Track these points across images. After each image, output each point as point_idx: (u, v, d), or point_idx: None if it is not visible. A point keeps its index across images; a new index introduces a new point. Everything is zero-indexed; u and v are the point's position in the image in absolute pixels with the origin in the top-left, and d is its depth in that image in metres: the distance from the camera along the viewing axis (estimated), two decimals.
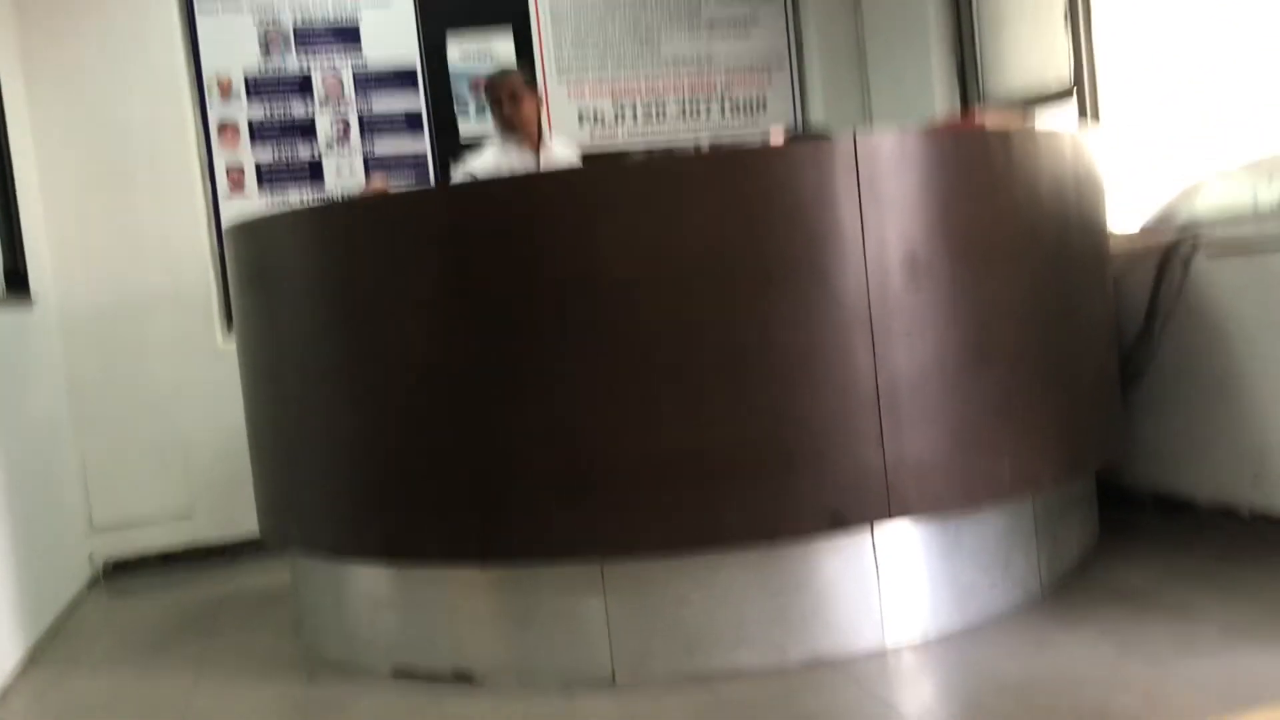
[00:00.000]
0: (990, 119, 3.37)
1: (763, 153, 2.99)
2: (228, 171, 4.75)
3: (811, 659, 2.77)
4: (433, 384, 2.81)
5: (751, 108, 5.31)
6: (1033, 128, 3.39)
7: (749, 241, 2.68)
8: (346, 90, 4.86)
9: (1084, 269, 3.20)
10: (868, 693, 2.60)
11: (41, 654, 3.52)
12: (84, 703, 3.09)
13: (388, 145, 4.90)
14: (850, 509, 2.69)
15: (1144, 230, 3.73)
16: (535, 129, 4.21)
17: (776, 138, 3.61)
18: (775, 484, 2.66)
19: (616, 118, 5.16)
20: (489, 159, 4.16)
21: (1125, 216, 3.82)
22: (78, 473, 4.44)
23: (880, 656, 2.78)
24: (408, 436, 2.85)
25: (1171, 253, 3.46)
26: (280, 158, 4.80)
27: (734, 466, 2.65)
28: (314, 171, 4.83)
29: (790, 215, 2.68)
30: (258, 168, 4.78)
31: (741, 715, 2.54)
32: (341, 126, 4.86)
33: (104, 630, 3.81)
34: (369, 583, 3.09)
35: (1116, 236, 3.63)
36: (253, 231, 3.26)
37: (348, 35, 4.86)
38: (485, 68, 4.78)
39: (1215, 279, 3.37)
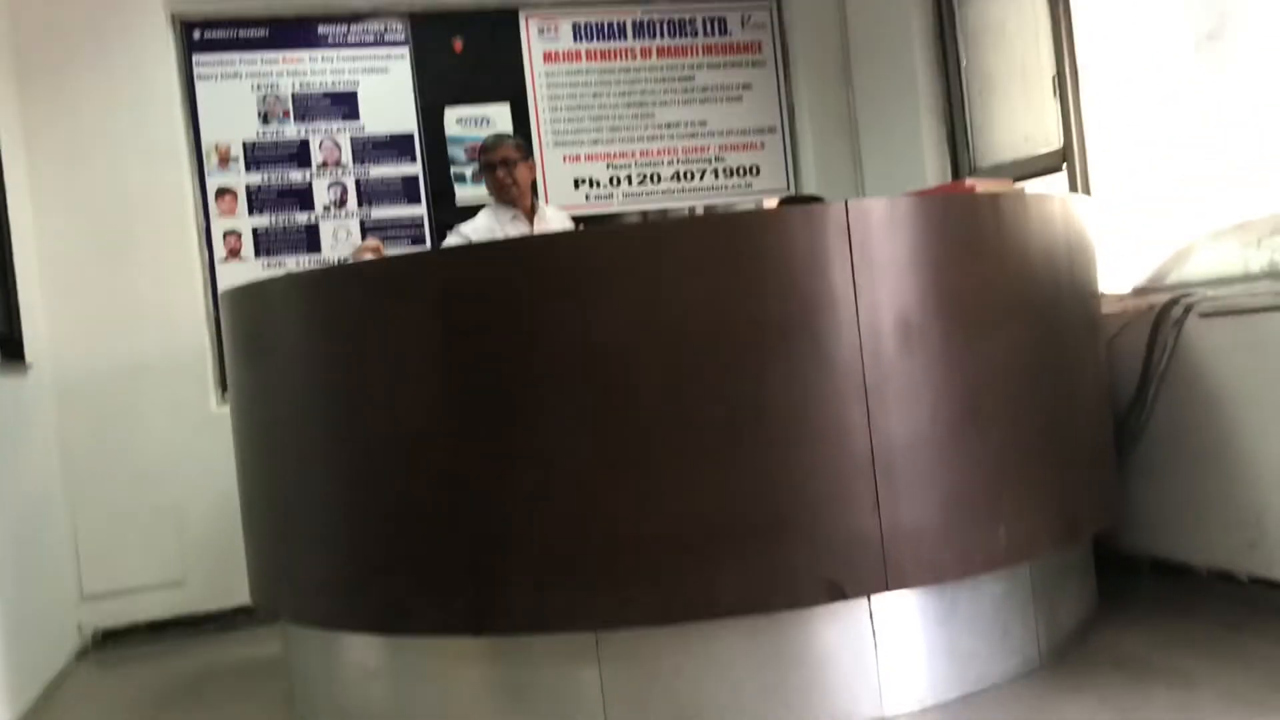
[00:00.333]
0: (981, 186, 3.39)
1: (755, 216, 3.03)
2: (225, 237, 4.78)
3: None
4: (425, 452, 2.80)
5: (745, 173, 5.36)
6: (1023, 192, 3.42)
7: (742, 305, 2.69)
8: (344, 156, 4.91)
9: (1076, 332, 3.21)
10: None
11: None
12: None
13: (385, 211, 4.94)
14: (847, 580, 2.67)
15: (1136, 292, 3.75)
16: (529, 196, 4.25)
17: (770, 205, 3.64)
18: (771, 554, 2.64)
19: (612, 181, 5.21)
20: (482, 224, 4.19)
21: (1116, 279, 3.84)
22: (69, 541, 4.40)
23: None
24: (401, 506, 2.83)
25: (1164, 315, 3.47)
26: (277, 223, 4.83)
27: (729, 535, 2.63)
28: (311, 237, 4.86)
29: (783, 279, 2.69)
30: (255, 233, 4.81)
31: None
32: (339, 192, 4.90)
33: (92, 702, 3.76)
34: (361, 653, 3.05)
35: (1108, 299, 3.65)
36: (247, 297, 3.27)
37: (346, 102, 4.92)
38: (482, 134, 4.83)
39: (1208, 341, 3.38)
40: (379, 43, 4.96)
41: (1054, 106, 4.19)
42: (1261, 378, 3.22)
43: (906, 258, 2.77)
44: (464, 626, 2.79)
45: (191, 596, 4.51)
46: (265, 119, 4.84)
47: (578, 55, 5.18)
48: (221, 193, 4.79)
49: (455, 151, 5.03)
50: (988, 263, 2.92)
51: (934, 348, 2.78)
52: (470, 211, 4.44)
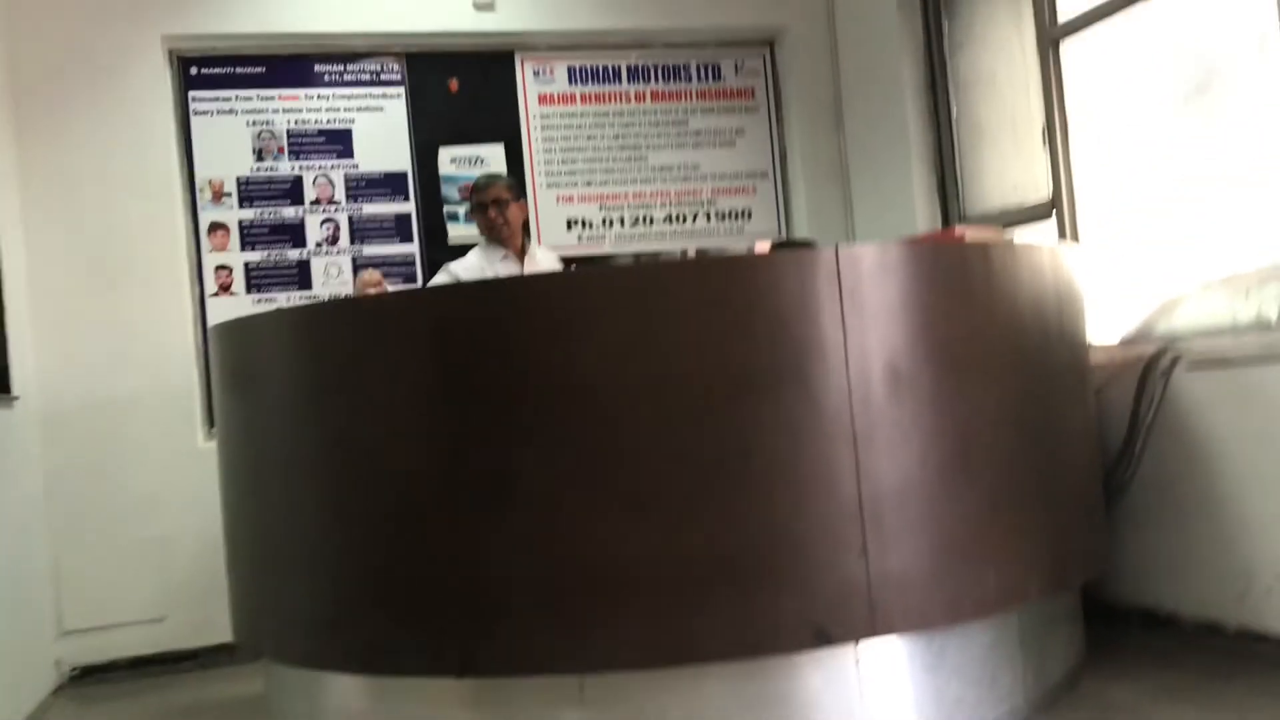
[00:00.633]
0: (970, 234, 3.42)
1: (745, 260, 3.03)
2: (216, 272, 4.78)
3: None
4: (412, 492, 2.79)
5: (737, 217, 5.39)
6: (1012, 241, 3.45)
7: (732, 348, 2.69)
8: (338, 194, 4.93)
9: (1065, 381, 3.22)
10: None
11: None
12: None
13: (377, 248, 4.95)
14: (834, 626, 2.65)
15: (1124, 343, 3.77)
16: (520, 236, 4.26)
17: (762, 248, 3.65)
18: (757, 598, 2.62)
19: (604, 223, 5.23)
20: (473, 263, 4.20)
21: (1105, 329, 3.86)
22: (49, 575, 4.35)
23: None
24: (386, 545, 2.82)
25: (1152, 366, 3.49)
26: (269, 259, 4.84)
27: (716, 579, 2.62)
28: (302, 273, 4.86)
29: (773, 323, 2.70)
30: (246, 268, 4.81)
31: None
32: (331, 229, 4.91)
33: None
34: (344, 693, 3.01)
35: (1097, 349, 3.66)
36: (237, 331, 3.26)
37: (341, 140, 4.94)
38: (476, 174, 4.85)
39: (1196, 393, 3.39)
40: (375, 82, 5.00)
41: (1043, 156, 4.23)
42: (1249, 429, 3.23)
43: (897, 304, 2.78)
44: (448, 668, 2.76)
45: (173, 633, 4.46)
46: (260, 155, 4.85)
47: (572, 98, 5.22)
48: (214, 228, 4.79)
49: (449, 191, 5.05)
50: (977, 311, 2.93)
51: (923, 394, 2.78)
52: (462, 250, 4.46)
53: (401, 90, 5.02)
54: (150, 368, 4.55)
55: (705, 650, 2.64)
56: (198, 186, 4.79)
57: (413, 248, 4.99)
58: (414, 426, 2.82)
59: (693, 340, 2.68)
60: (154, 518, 4.46)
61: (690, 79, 5.36)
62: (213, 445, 3.52)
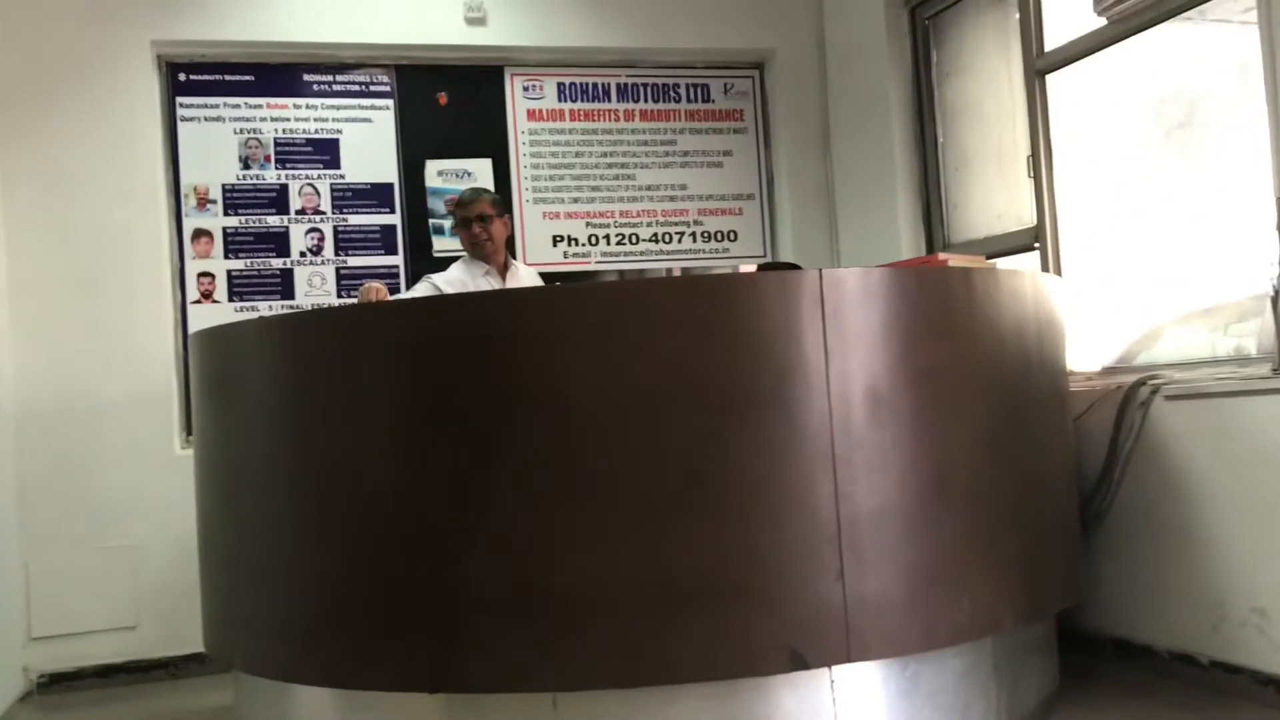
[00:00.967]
0: (954, 261, 3.43)
1: (729, 280, 3.04)
2: (198, 279, 4.76)
3: None
4: (387, 506, 2.77)
5: (723, 238, 5.40)
6: (995, 267, 3.46)
7: (713, 369, 2.69)
8: (323, 204, 4.91)
9: (1044, 409, 3.23)
10: None
11: None
12: None
13: (361, 259, 4.94)
14: (809, 650, 2.64)
15: (1104, 372, 3.79)
16: (503, 252, 4.25)
17: (748, 271, 3.67)
18: (733, 620, 2.61)
19: (590, 240, 5.23)
20: (454, 277, 4.19)
21: (1085, 358, 3.88)
22: (19, 580, 4.30)
23: None
24: (361, 558, 2.80)
25: (1131, 396, 3.50)
26: (252, 268, 4.82)
27: (692, 600, 2.61)
28: (285, 282, 4.84)
29: (755, 344, 2.70)
30: (229, 276, 4.79)
31: None
32: (316, 239, 4.89)
33: None
34: (315, 706, 2.99)
35: (1077, 377, 3.68)
36: (218, 339, 3.25)
37: (328, 150, 4.93)
38: (463, 187, 4.85)
39: (1174, 423, 3.41)
40: (364, 93, 4.99)
41: (1028, 186, 4.26)
42: (1226, 462, 3.24)
43: (878, 329, 2.79)
44: (420, 683, 2.74)
45: (143, 642, 4.41)
46: (246, 163, 4.84)
47: (561, 114, 5.23)
48: (198, 234, 4.77)
49: (435, 203, 5.04)
50: (959, 337, 2.94)
51: (903, 419, 2.79)
52: (448, 263, 4.44)
53: (390, 102, 5.02)
54: (129, 374, 4.51)
55: (679, 670, 2.63)
56: (183, 192, 4.77)
57: (397, 259, 4.98)
58: (392, 439, 2.80)
59: (674, 359, 2.68)
60: (128, 525, 4.42)
61: (679, 99, 5.38)
62: (190, 453, 3.50)
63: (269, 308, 4.79)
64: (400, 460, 2.79)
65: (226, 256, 4.79)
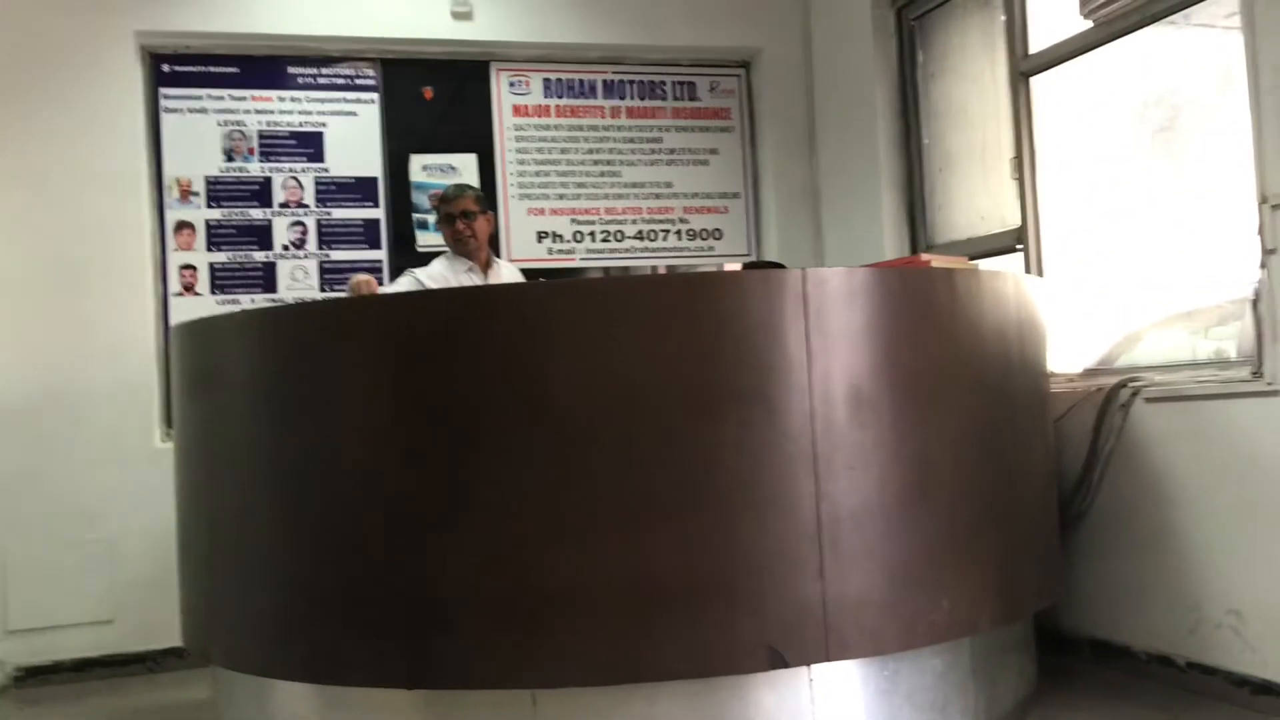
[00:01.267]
0: (936, 262, 3.44)
1: (713, 278, 3.04)
2: (180, 271, 4.73)
3: None
4: (367, 500, 2.77)
5: (708, 237, 5.40)
6: (977, 268, 3.47)
7: (696, 366, 2.69)
8: (307, 197, 4.89)
9: (1025, 410, 3.24)
10: None
11: None
12: None
13: (344, 253, 4.92)
14: (789, 648, 2.65)
15: (1085, 374, 3.80)
16: (486, 249, 4.24)
17: (732, 270, 3.67)
18: (713, 618, 2.62)
19: (575, 237, 5.22)
20: (437, 272, 4.17)
21: (1066, 360, 3.89)
22: None
23: None
24: (341, 553, 2.79)
25: (1111, 398, 3.52)
26: (234, 260, 4.79)
27: (672, 598, 2.61)
28: (267, 275, 4.82)
29: (738, 343, 2.71)
30: (211, 269, 4.77)
31: None
32: (299, 232, 4.87)
33: None
34: (293, 701, 2.98)
35: (1057, 379, 3.70)
36: (200, 331, 3.23)
37: (312, 143, 4.91)
38: (447, 182, 4.84)
39: (1153, 426, 3.42)
40: (349, 86, 4.97)
41: (1011, 187, 4.27)
42: (1205, 464, 3.26)
43: (861, 328, 2.79)
44: (398, 679, 2.73)
45: (120, 636, 4.38)
46: (229, 155, 4.81)
47: (547, 110, 5.22)
48: (180, 226, 4.75)
49: (419, 198, 5.03)
50: (940, 337, 2.95)
51: (885, 419, 2.79)
52: (431, 258, 4.43)
53: (375, 96, 5.00)
54: (109, 366, 4.48)
55: (659, 668, 2.63)
56: (165, 184, 4.74)
57: (381, 254, 4.96)
58: (373, 434, 2.80)
59: (657, 357, 2.68)
60: (106, 518, 4.39)
61: (665, 97, 5.38)
62: (170, 446, 3.48)
63: (251, 301, 4.77)
64: (381, 455, 2.78)
65: (209, 249, 4.77)
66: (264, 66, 4.88)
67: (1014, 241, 4.26)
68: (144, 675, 4.33)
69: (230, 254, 4.79)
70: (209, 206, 4.78)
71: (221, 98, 4.82)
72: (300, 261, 4.86)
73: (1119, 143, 4.04)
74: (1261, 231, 3.05)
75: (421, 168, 5.04)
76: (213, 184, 4.79)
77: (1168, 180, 3.85)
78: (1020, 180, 4.21)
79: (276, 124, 4.88)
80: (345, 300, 3.55)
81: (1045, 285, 3.73)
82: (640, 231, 5.31)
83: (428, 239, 4.97)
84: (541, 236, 5.18)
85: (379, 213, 4.97)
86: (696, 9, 5.28)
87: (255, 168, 4.84)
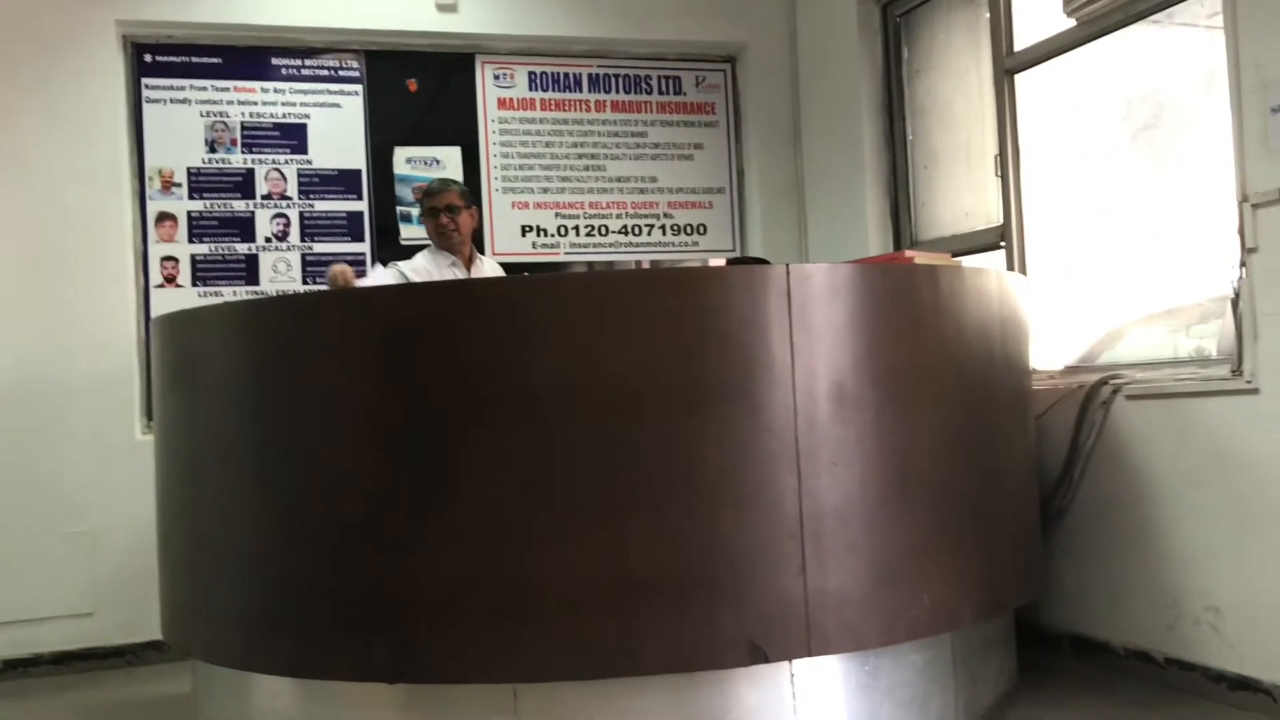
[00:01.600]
0: (920, 258, 3.45)
1: (697, 273, 3.04)
2: (162, 263, 4.70)
3: None
4: (350, 492, 2.76)
5: (692, 232, 5.40)
6: (960, 265, 3.48)
7: (679, 362, 2.69)
8: (290, 189, 4.87)
9: (1007, 407, 3.25)
10: None
11: None
12: None
13: (327, 246, 4.90)
14: (770, 643, 2.65)
15: (1066, 371, 3.82)
16: (470, 244, 4.23)
17: (717, 265, 3.66)
18: (695, 613, 2.62)
19: (559, 231, 5.22)
20: (419, 266, 4.15)
21: (1048, 357, 3.91)
22: None
23: None
24: (322, 547, 2.78)
25: (1092, 395, 3.54)
26: (216, 252, 4.77)
27: (654, 593, 2.61)
28: (250, 268, 4.80)
29: (722, 338, 2.71)
30: (193, 260, 4.74)
31: None
32: (282, 224, 4.85)
33: None
34: (274, 696, 2.97)
35: (1039, 376, 3.71)
36: (181, 324, 3.21)
37: (295, 134, 4.89)
38: (431, 175, 4.82)
39: (1134, 423, 3.44)
40: (333, 78, 4.95)
41: (995, 185, 4.28)
42: (1185, 462, 3.28)
43: (844, 324, 2.80)
44: (380, 674, 2.73)
45: (101, 629, 4.36)
46: (212, 146, 4.79)
47: (532, 104, 5.21)
48: (162, 218, 4.72)
49: (403, 191, 5.01)
50: (923, 333, 2.96)
51: (867, 415, 2.80)
52: (414, 251, 4.41)
53: (359, 88, 4.98)
54: (90, 358, 4.45)
55: (639, 663, 2.63)
56: (147, 175, 4.71)
57: (364, 246, 4.95)
58: (355, 428, 2.79)
59: (640, 351, 2.68)
60: (86, 510, 4.37)
61: (650, 91, 5.37)
62: (150, 439, 3.46)
63: (233, 293, 4.75)
64: (363, 449, 2.77)
65: (191, 241, 4.74)
66: (247, 57, 4.85)
67: (997, 238, 4.27)
68: (124, 669, 4.31)
69: (212, 246, 4.77)
70: (191, 198, 4.75)
71: (204, 88, 4.80)
72: (283, 254, 4.84)
73: (1102, 141, 4.05)
74: (1242, 230, 3.07)
75: (405, 160, 5.02)
76: (195, 175, 4.76)
77: (1150, 178, 3.87)
78: (1004, 177, 4.23)
79: (259, 115, 4.85)
80: (327, 293, 3.53)
81: (1028, 282, 3.75)
82: (624, 226, 5.31)
83: (411, 232, 4.95)
84: (526, 230, 5.17)
85: (362, 205, 4.96)
86: (682, 3, 5.28)
87: (238, 159, 4.82)
